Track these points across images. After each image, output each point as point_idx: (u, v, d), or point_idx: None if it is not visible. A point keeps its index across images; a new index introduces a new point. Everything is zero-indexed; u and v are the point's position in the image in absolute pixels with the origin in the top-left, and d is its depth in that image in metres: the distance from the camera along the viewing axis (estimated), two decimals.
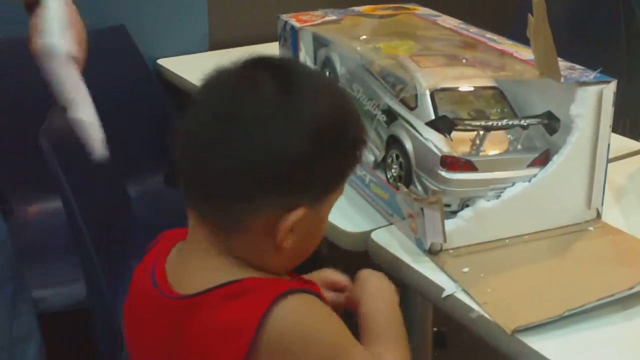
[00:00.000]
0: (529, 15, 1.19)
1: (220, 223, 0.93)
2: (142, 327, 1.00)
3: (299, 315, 0.89)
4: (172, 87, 2.23)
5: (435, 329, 1.75)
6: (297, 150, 0.89)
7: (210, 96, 0.95)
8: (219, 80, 0.95)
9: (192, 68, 2.22)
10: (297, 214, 0.91)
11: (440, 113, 1.25)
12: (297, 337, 0.88)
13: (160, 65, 2.26)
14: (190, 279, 0.94)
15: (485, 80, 1.33)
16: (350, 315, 1.05)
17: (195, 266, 0.95)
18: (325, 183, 0.94)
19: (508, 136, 1.30)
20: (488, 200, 1.23)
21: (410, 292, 1.60)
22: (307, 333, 0.88)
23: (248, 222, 0.91)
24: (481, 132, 1.25)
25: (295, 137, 0.89)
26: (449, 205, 1.23)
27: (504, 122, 1.26)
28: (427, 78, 1.30)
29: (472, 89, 1.33)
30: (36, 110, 1.46)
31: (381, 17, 1.64)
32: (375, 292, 1.07)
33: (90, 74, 2.00)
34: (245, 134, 0.89)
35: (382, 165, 1.36)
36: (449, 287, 1.13)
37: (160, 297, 0.95)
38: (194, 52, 2.34)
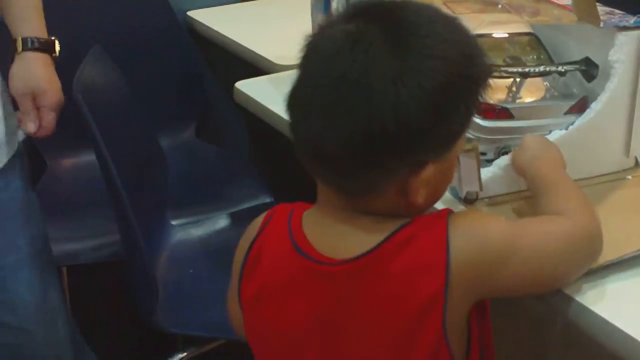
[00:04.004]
0: None
1: (353, 192, 0.93)
2: (288, 303, 0.98)
3: (469, 227, 0.92)
4: (202, 38, 2.22)
5: None
6: (418, 116, 0.86)
7: (317, 66, 0.90)
8: (326, 43, 0.90)
9: (222, 19, 2.21)
10: (427, 172, 0.90)
11: None
12: (477, 247, 0.91)
13: (191, 17, 2.25)
14: (347, 243, 0.93)
15: (521, 26, 1.31)
16: None
17: (345, 230, 0.94)
18: (452, 136, 0.92)
19: (545, 83, 1.28)
20: None
21: None
22: (482, 240, 0.92)
23: (380, 188, 0.91)
24: (517, 79, 1.23)
25: (415, 102, 0.86)
26: (484, 154, 1.22)
27: (541, 68, 1.24)
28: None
29: (507, 35, 1.30)
30: (69, 63, 1.46)
31: None
32: (539, 154, 1.11)
33: (121, 27, 2.01)
34: (361, 103, 0.86)
35: None
36: None
37: (317, 267, 0.94)
38: (225, 4, 2.31)
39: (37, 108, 1.40)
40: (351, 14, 0.91)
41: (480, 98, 0.93)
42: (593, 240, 1.00)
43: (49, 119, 1.41)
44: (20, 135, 1.45)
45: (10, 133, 1.40)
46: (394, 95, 0.85)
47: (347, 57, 0.86)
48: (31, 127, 1.40)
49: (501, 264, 0.92)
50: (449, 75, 0.87)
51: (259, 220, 1.03)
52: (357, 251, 0.92)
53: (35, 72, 1.40)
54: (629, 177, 1.27)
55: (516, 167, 1.14)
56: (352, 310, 0.94)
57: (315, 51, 0.91)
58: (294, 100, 0.92)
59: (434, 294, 0.89)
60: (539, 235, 0.96)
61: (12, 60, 1.41)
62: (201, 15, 2.24)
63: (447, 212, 0.93)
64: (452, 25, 0.93)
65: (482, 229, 0.93)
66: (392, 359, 0.94)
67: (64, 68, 1.46)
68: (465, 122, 0.93)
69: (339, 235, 0.94)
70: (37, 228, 1.45)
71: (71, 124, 1.43)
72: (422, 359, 0.92)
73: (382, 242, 0.91)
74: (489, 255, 0.91)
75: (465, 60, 0.90)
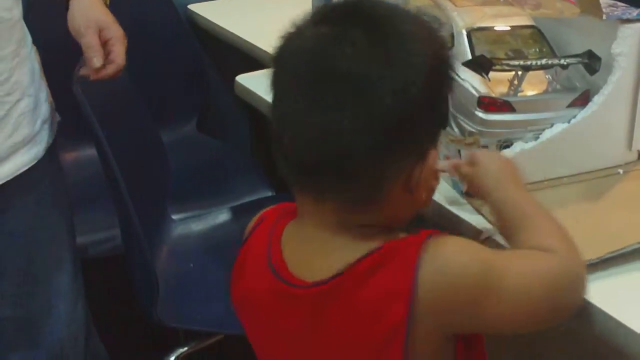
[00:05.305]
0: None
1: (356, 199, 0.89)
2: (263, 317, 0.97)
3: (442, 259, 0.86)
4: (203, 32, 2.22)
5: None
6: (417, 95, 0.85)
7: (299, 69, 0.88)
8: (303, 46, 0.89)
9: (223, 13, 2.20)
10: (432, 159, 0.89)
11: (477, 53, 1.23)
12: (448, 282, 0.85)
13: (192, 11, 2.24)
14: (318, 264, 0.91)
15: (523, 19, 1.31)
16: None
17: (319, 250, 0.91)
18: (443, 118, 0.92)
19: (547, 76, 1.27)
20: (526, 142, 1.21)
21: None
22: (455, 276, 0.86)
23: (390, 185, 0.88)
24: (519, 72, 1.22)
25: (410, 82, 0.85)
26: (486, 147, 1.21)
27: (543, 61, 1.23)
28: (464, 17, 1.27)
29: (509, 28, 1.30)
30: (69, 57, 1.46)
31: None
32: (501, 175, 1.01)
33: (121, 20, 2.00)
34: (362, 93, 0.85)
35: None
36: (486, 230, 1.12)
37: (286, 288, 0.92)
38: None
39: (103, 43, 1.32)
40: (318, 19, 0.90)
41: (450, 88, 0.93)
42: (578, 281, 0.92)
43: (119, 50, 1.32)
44: (57, 117, 1.43)
45: (52, 113, 1.37)
46: (391, 79, 0.84)
47: (331, 53, 0.86)
48: (97, 61, 1.30)
49: (475, 303, 0.86)
50: (431, 55, 0.88)
51: (250, 224, 1.02)
52: (325, 274, 0.89)
53: (96, 8, 1.34)
54: (632, 170, 1.27)
55: (476, 191, 1.03)
56: (321, 334, 0.92)
57: (293, 56, 0.89)
58: (280, 110, 0.90)
59: (395, 324, 0.86)
60: (522, 275, 0.89)
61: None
62: (202, 9, 2.24)
63: (424, 238, 0.88)
64: (416, 15, 0.94)
65: (456, 264, 0.86)
66: None
67: (64, 61, 1.45)
68: (446, 113, 0.93)
69: (312, 255, 0.92)
70: (71, 211, 1.44)
71: (72, 118, 1.43)
72: None
73: (350, 265, 0.88)
74: (461, 293, 0.86)
75: (438, 42, 0.91)
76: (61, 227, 1.40)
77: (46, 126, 1.33)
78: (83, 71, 1.33)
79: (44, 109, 1.33)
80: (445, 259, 0.86)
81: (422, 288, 0.85)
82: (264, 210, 1.02)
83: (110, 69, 1.32)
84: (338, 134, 0.85)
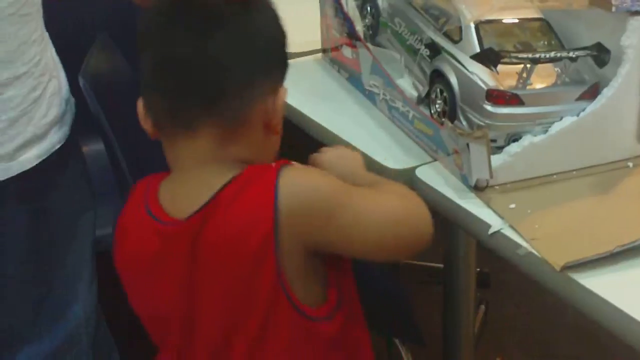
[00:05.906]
0: None
1: (221, 124, 0.98)
2: (149, 269, 1.02)
3: (297, 182, 0.96)
4: None
5: (478, 269, 1.75)
6: (282, 31, 1.04)
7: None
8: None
9: None
10: (284, 90, 1.02)
11: (485, 46, 1.22)
12: (303, 201, 0.95)
13: None
14: (190, 199, 0.98)
15: (531, 11, 1.30)
16: None
17: (189, 186, 0.99)
18: (286, 61, 1.05)
19: (556, 69, 1.26)
20: (535, 135, 1.20)
21: (455, 230, 1.59)
22: (311, 189, 0.97)
23: (248, 111, 0.99)
24: (528, 65, 1.22)
25: (276, 21, 1.04)
26: (495, 141, 1.21)
27: (552, 54, 1.22)
28: (472, 9, 1.27)
29: (517, 20, 1.29)
30: (76, 51, 1.46)
31: None
32: (346, 169, 1.11)
33: (127, 14, 2.00)
34: (232, 21, 0.99)
35: (425, 100, 1.33)
36: (495, 223, 1.11)
37: (164, 228, 1.00)
38: None
39: None
40: None
41: None
42: (423, 222, 1.02)
43: None
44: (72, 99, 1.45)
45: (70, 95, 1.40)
46: (253, 15, 1.02)
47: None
48: None
49: (328, 216, 0.95)
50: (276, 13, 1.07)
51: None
52: (195, 208, 0.97)
53: None
54: None
55: None
56: (200, 268, 0.98)
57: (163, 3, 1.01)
58: (152, 53, 1.00)
59: (264, 239, 0.93)
60: (369, 201, 1.00)
61: None
62: None
63: (282, 164, 0.97)
64: None
65: (312, 180, 0.98)
66: (236, 306, 0.98)
67: (71, 57, 1.45)
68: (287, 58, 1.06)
69: (185, 193, 0.99)
70: (93, 190, 1.47)
71: (79, 112, 1.43)
72: (262, 303, 0.96)
73: (215, 194, 0.96)
74: (317, 204, 0.95)
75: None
76: (85, 205, 1.42)
77: (69, 107, 1.37)
78: None
79: (65, 90, 1.37)
80: (300, 182, 0.96)
81: (283, 202, 0.93)
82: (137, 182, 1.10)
83: None
84: (210, 59, 0.97)
